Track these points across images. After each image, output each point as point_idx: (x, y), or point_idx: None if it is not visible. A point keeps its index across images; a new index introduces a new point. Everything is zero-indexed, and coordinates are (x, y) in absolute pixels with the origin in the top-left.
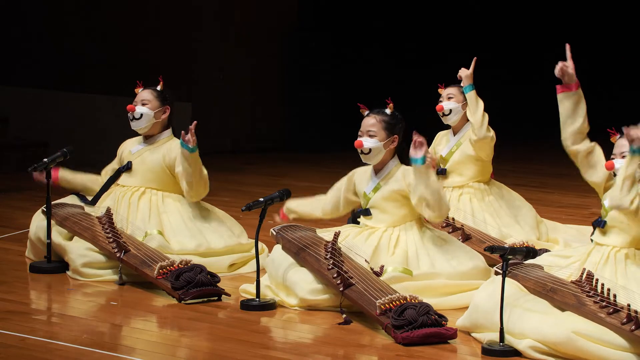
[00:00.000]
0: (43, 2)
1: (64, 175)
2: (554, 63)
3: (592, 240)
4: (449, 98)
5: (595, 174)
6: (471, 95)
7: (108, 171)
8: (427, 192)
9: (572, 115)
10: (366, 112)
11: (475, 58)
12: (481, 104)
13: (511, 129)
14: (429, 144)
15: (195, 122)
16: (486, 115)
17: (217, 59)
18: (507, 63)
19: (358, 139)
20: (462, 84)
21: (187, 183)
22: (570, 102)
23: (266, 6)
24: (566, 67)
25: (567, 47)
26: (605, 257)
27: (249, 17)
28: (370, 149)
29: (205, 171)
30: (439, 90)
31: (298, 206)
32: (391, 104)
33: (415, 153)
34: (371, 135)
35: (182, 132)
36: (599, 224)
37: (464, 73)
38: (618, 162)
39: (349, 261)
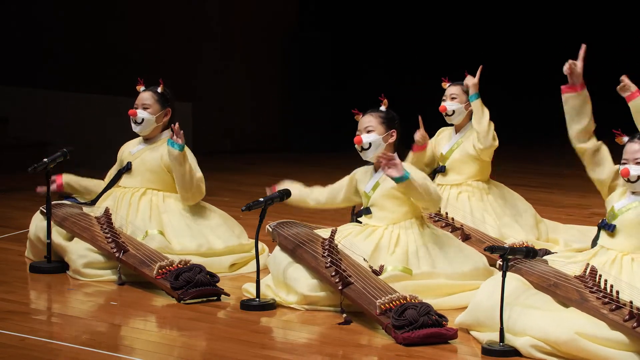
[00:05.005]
0: (44, 3)
1: (68, 181)
2: (560, 64)
3: (596, 243)
4: (452, 98)
5: (601, 172)
6: (477, 104)
7: (111, 176)
8: (416, 193)
9: (577, 116)
10: (361, 116)
11: (481, 66)
12: (487, 112)
13: (512, 129)
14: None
15: (177, 122)
16: (492, 124)
17: (217, 59)
18: (508, 64)
19: (357, 136)
20: (469, 93)
21: (181, 185)
22: (575, 103)
23: (266, 6)
24: (574, 66)
25: (583, 47)
26: (612, 259)
27: (249, 17)
28: (370, 144)
29: (199, 174)
30: (443, 84)
31: (292, 188)
32: (385, 100)
33: (391, 172)
34: (369, 131)
35: (170, 131)
36: (607, 227)
37: (471, 81)
38: (633, 169)
39: (347, 259)
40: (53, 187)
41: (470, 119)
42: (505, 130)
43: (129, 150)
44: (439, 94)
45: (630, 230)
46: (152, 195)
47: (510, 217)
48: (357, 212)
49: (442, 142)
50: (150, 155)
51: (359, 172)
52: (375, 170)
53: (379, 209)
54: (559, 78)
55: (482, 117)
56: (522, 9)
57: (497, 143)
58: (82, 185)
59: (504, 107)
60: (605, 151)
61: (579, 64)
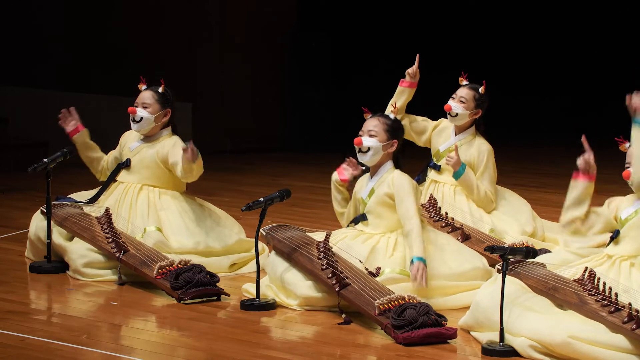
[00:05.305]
0: (44, 3)
1: (84, 135)
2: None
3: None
4: (461, 102)
5: (598, 228)
6: (463, 179)
7: (110, 158)
8: None
9: (580, 203)
10: (369, 116)
11: (456, 145)
12: (475, 183)
13: (512, 129)
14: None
15: (191, 140)
16: (490, 188)
17: (218, 59)
18: (508, 64)
19: (358, 137)
20: (453, 169)
21: (186, 171)
22: (584, 191)
23: (266, 6)
24: (588, 161)
25: (583, 138)
26: (611, 263)
27: (249, 17)
28: (368, 148)
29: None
30: (460, 80)
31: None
32: (396, 109)
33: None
34: (372, 135)
35: (182, 148)
36: (614, 234)
37: (452, 161)
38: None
39: (343, 261)
40: (71, 125)
41: (472, 124)
42: (505, 130)
43: (129, 146)
44: (439, 93)
45: (634, 235)
46: (148, 191)
47: (507, 213)
48: (353, 219)
49: (440, 136)
50: (147, 153)
51: (359, 184)
52: (371, 177)
53: (375, 217)
54: (559, 78)
55: (473, 188)
56: (521, 10)
57: (494, 205)
58: (89, 148)
59: (504, 107)
60: (592, 213)
61: (591, 157)
